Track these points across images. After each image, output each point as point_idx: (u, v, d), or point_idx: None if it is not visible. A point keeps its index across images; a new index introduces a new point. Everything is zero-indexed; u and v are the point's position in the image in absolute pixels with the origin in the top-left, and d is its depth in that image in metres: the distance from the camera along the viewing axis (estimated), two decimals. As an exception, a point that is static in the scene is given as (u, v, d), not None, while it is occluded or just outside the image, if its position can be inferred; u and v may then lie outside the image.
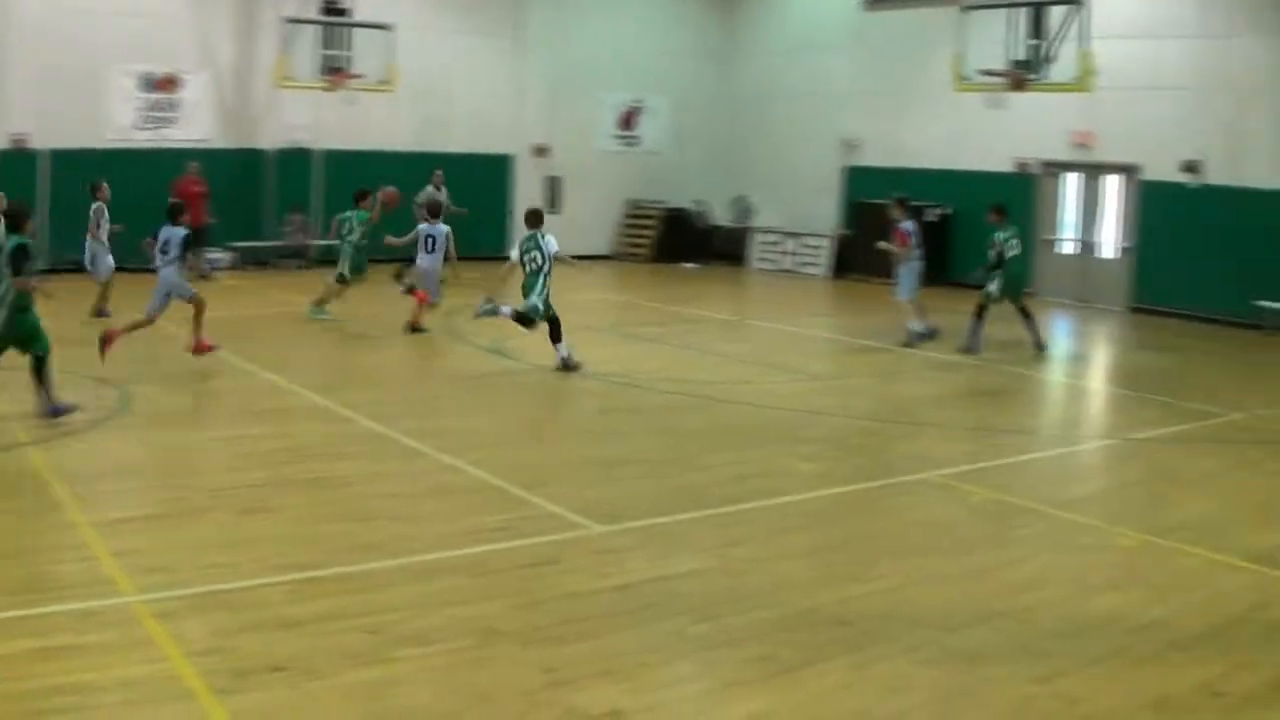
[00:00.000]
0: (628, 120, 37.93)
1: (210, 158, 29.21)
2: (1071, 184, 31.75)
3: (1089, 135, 30.24)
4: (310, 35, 29.51)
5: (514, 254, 19.15)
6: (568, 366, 18.94)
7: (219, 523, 11.11)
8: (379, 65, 29.34)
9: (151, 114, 30.00)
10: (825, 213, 35.81)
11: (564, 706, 7.74)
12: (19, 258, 14.11)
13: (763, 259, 36.53)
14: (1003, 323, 22.77)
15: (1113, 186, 30.97)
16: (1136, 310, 29.61)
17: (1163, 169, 29.05)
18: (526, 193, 34.71)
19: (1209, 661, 8.88)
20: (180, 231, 18.10)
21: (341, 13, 29.72)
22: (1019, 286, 22.93)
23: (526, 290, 18.84)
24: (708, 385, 18.26)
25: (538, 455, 14.33)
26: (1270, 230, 27.28)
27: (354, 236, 23.14)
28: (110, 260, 22.18)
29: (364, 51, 29.71)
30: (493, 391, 17.77)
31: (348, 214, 23.44)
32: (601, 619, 9.18)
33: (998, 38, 26.11)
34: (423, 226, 22.64)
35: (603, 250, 36.69)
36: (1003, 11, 26.24)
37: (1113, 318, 29.18)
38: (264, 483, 12.51)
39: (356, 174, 30.83)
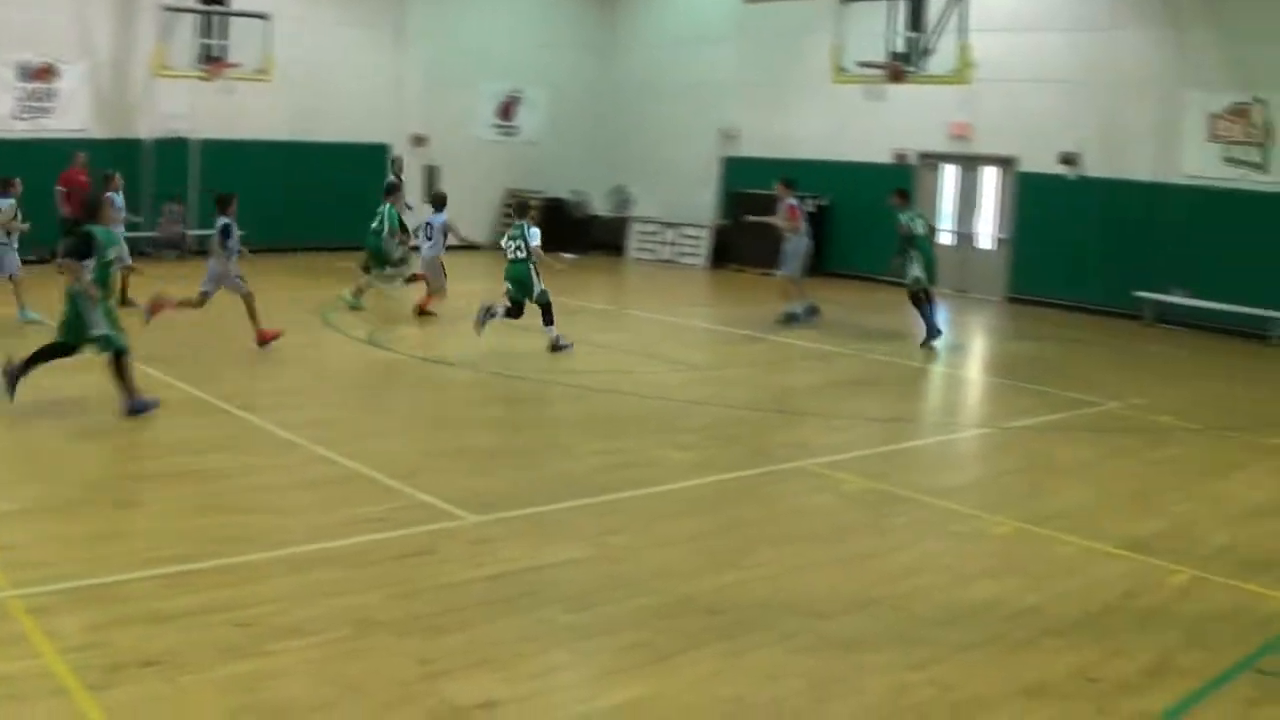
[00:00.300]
0: (506, 110, 37.71)
1: (87, 147, 28.48)
2: (949, 175, 31.98)
3: (966, 127, 30.49)
4: (188, 24, 28.98)
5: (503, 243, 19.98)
6: (558, 348, 19.81)
7: (93, 517, 10.86)
8: (256, 55, 28.95)
9: (29, 104, 29.40)
10: (704, 203, 35.90)
11: (439, 697, 7.65)
12: (80, 246, 14.19)
13: (641, 249, 36.51)
14: (883, 313, 22.98)
15: (990, 178, 31.23)
16: (1014, 301, 29.94)
17: (1041, 161, 29.37)
18: (404, 182, 34.42)
19: (1083, 648, 8.92)
20: (220, 221, 18.65)
21: (220, 1, 29.30)
22: (935, 267, 23.28)
23: (514, 278, 20.06)
24: (585, 375, 18.18)
25: (413, 445, 14.18)
26: (1149, 222, 27.68)
27: (384, 231, 23.72)
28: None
29: (241, 41, 29.19)
30: (368, 382, 17.64)
31: (381, 208, 24.01)
32: (476, 609, 9.08)
33: (878, 30, 26.20)
34: (428, 218, 23.82)
35: (482, 240, 36.46)
36: (882, 4, 26.31)
37: (991, 308, 29.47)
38: (138, 476, 12.31)
39: (233, 164, 30.70)
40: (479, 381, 17.70)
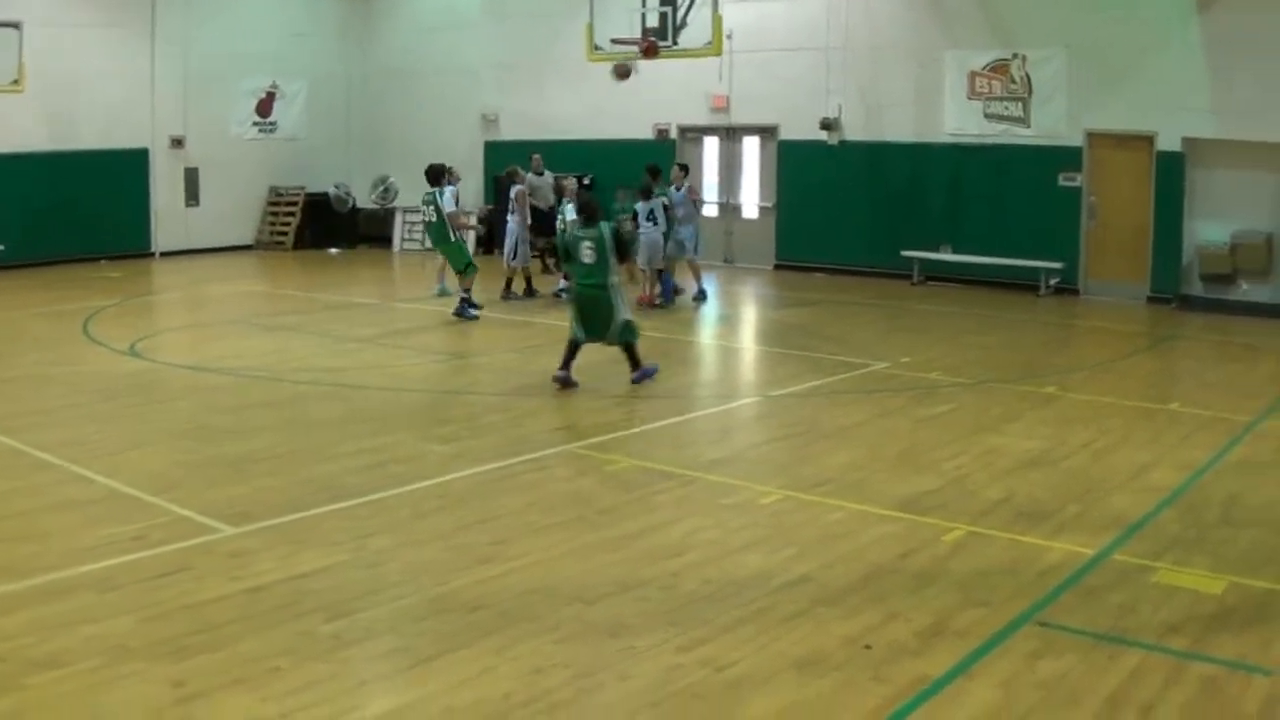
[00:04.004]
0: (264, 106, 36.84)
1: None
2: (711, 147, 31.95)
3: (721, 99, 30.54)
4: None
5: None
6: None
7: None
8: (9, 65, 28.00)
9: None
10: (469, 189, 35.40)
11: (194, 720, 7.27)
12: (621, 244, 16.66)
13: (409, 239, 35.87)
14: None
15: (751, 147, 31.25)
16: (782, 268, 30.09)
17: (802, 128, 29.54)
18: (165, 187, 33.61)
19: (857, 614, 8.81)
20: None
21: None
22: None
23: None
24: (345, 372, 17.73)
25: (172, 458, 13.51)
26: (914, 182, 28.10)
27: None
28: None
29: (-8, 52, 28.39)
30: (128, 394, 16.93)
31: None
32: (232, 625, 8.66)
33: (634, 5, 26.04)
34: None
35: (247, 241, 35.84)
36: (636, -21, 26.24)
37: (759, 276, 29.59)
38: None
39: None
40: (238, 386, 17.13)
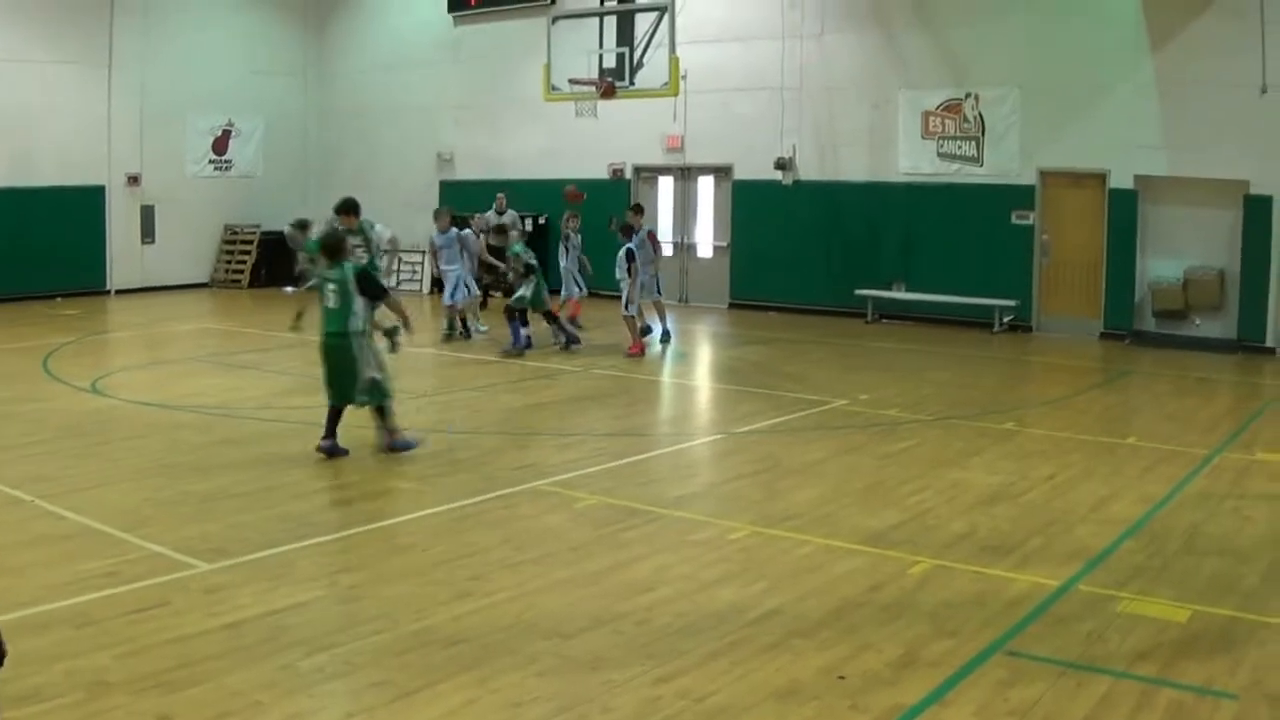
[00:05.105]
0: (220, 144, 36.80)
1: None
2: (666, 187, 32.12)
3: (676, 139, 30.70)
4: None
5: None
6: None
7: None
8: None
9: None
10: (423, 227, 35.40)
11: (180, 754, 7.23)
12: (366, 285, 14.92)
13: (363, 278, 35.93)
14: (605, 328, 23.07)
15: (706, 187, 31.45)
16: (737, 306, 30.26)
17: (756, 168, 29.76)
18: (121, 224, 33.57)
19: (831, 646, 8.89)
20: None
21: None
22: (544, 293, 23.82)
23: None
24: (307, 410, 17.61)
25: (141, 494, 13.48)
26: (867, 221, 28.32)
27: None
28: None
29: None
30: (93, 431, 16.89)
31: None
32: (213, 660, 8.67)
33: (590, 46, 26.24)
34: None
35: (202, 279, 35.82)
36: (593, 21, 26.36)
37: (714, 315, 29.76)
38: None
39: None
40: (202, 423, 17.11)
